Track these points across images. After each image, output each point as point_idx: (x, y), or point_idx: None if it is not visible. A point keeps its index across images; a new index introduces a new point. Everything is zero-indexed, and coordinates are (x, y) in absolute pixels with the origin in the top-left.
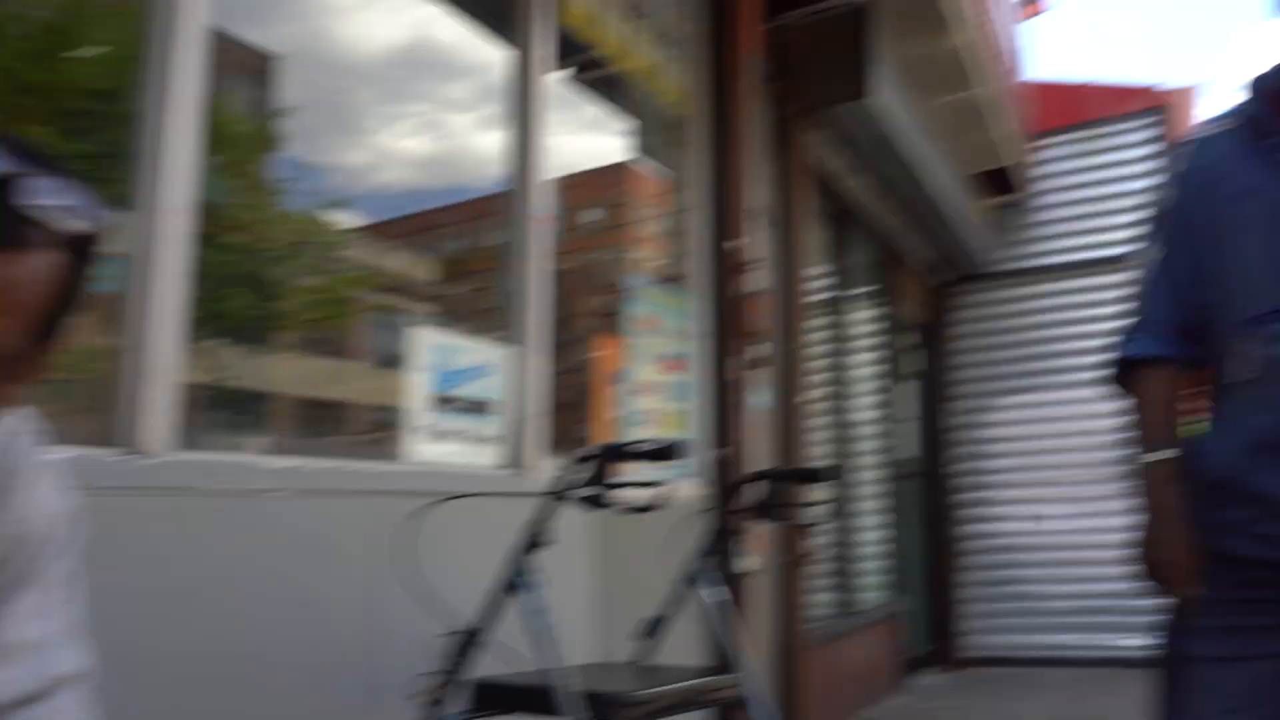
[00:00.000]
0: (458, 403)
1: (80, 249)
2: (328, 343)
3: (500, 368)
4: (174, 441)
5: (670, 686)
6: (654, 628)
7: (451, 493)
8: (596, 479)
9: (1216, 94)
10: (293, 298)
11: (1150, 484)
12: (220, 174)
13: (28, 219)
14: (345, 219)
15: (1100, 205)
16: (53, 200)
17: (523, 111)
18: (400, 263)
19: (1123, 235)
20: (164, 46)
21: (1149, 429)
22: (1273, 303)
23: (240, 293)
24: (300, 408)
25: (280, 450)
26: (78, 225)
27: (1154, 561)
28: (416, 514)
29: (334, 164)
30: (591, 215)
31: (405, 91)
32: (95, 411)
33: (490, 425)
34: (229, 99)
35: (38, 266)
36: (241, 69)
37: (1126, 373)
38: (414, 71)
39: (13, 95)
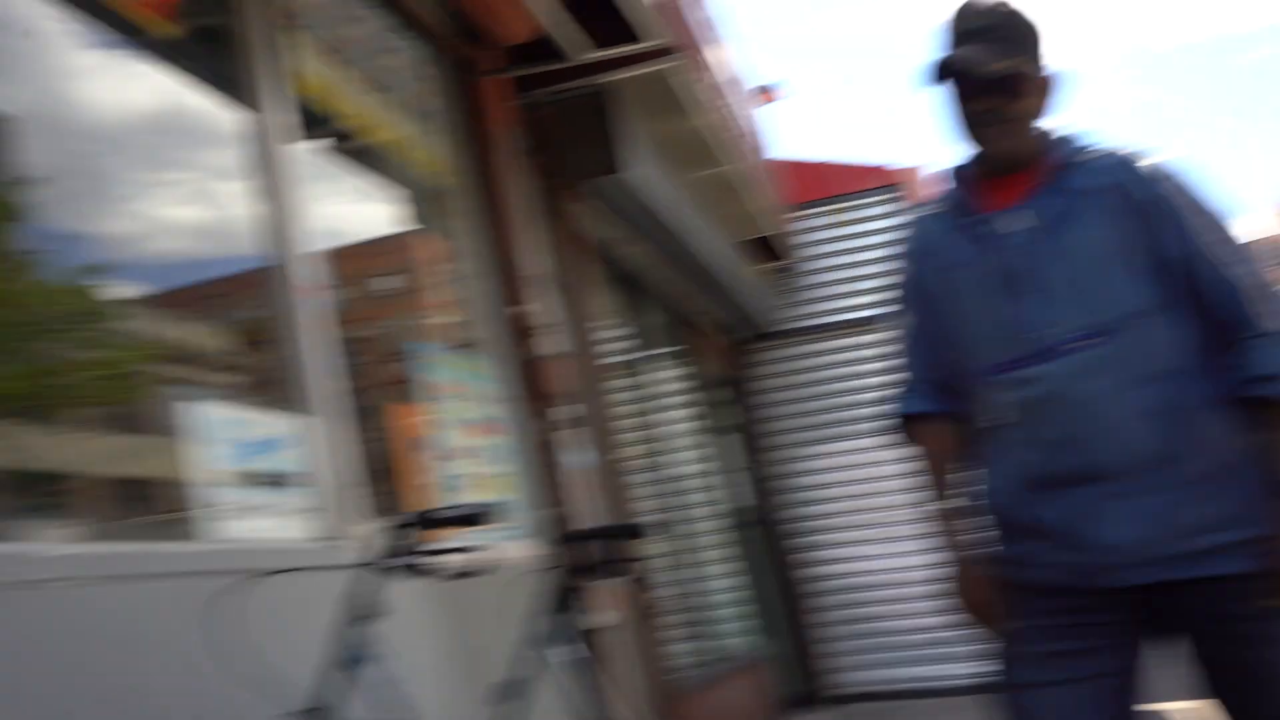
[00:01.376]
0: (257, 477)
1: None
2: (105, 419)
3: (296, 439)
4: None
5: None
6: (507, 692)
7: (266, 569)
8: (410, 547)
9: (939, 171)
10: (60, 373)
11: (944, 528)
12: None
13: None
14: (114, 289)
15: (853, 271)
16: None
17: (270, 180)
18: (181, 334)
19: (873, 298)
20: None
21: (932, 477)
22: (1008, 354)
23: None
24: (84, 488)
25: (69, 534)
26: None
27: (964, 601)
28: (232, 592)
29: (93, 232)
30: (374, 283)
31: (161, 158)
32: None
33: (295, 498)
34: None
35: None
36: None
37: (906, 427)
38: (165, 137)
39: None
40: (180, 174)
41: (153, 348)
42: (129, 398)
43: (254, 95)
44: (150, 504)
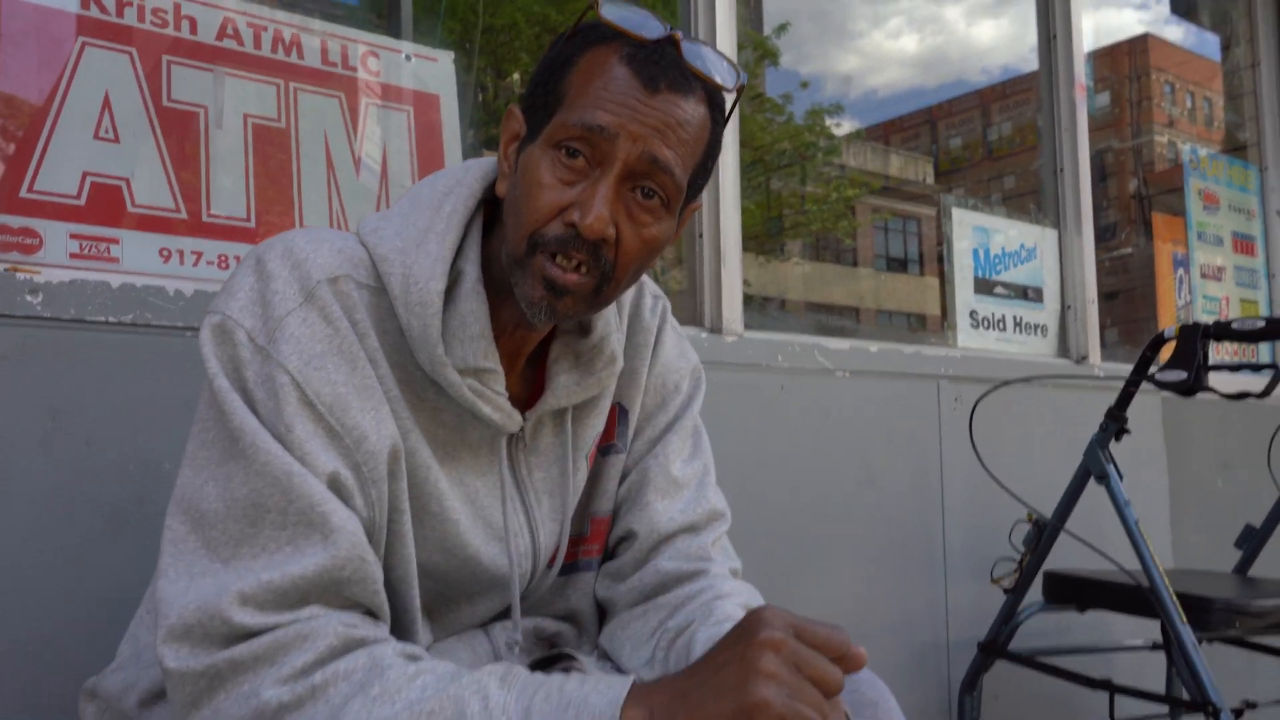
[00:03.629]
0: (1002, 288)
1: (721, 111)
2: (836, 246)
3: (1043, 252)
4: (744, 324)
5: None
6: (1252, 537)
7: (1015, 377)
8: (1189, 361)
9: None
10: (799, 206)
11: None
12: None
13: (691, 71)
14: (843, 124)
15: None
16: (704, 60)
17: None
18: (903, 162)
19: None
20: None
21: None
22: None
23: (748, 205)
24: (818, 308)
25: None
26: (726, 83)
27: None
28: (980, 398)
29: (829, 72)
30: (1120, 90)
31: None
32: (681, 294)
33: (1038, 312)
34: None
35: (698, 115)
36: None
37: None
38: None
39: (545, 37)
40: (908, 3)
41: (874, 179)
42: (852, 224)
43: None
44: (910, 318)
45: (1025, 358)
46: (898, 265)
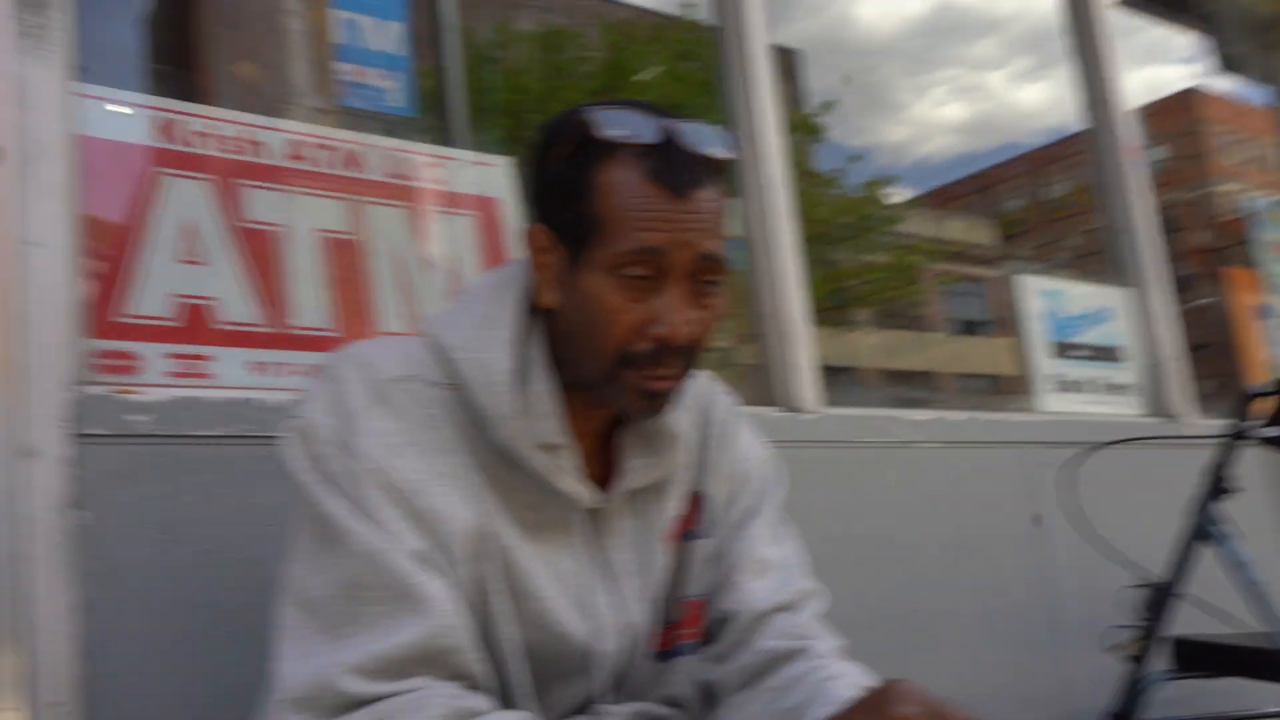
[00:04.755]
0: (1080, 351)
1: (723, 174)
2: (904, 314)
3: (1118, 312)
4: (821, 401)
5: None
6: None
7: (1106, 440)
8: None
9: None
10: (859, 276)
11: None
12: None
13: (699, 159)
14: (897, 194)
15: None
16: (703, 142)
17: (1087, 42)
18: (963, 226)
19: None
20: (741, 61)
21: None
22: None
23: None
24: (891, 376)
25: (910, 406)
26: (724, 152)
27: None
28: (1073, 462)
29: (877, 143)
30: (1173, 147)
31: (931, 60)
32: (749, 377)
33: (1121, 372)
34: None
35: (717, 192)
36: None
37: None
38: (935, 40)
39: None
40: (957, 70)
41: (934, 245)
42: (913, 292)
43: None
44: (985, 381)
45: (1113, 419)
46: (969, 328)
